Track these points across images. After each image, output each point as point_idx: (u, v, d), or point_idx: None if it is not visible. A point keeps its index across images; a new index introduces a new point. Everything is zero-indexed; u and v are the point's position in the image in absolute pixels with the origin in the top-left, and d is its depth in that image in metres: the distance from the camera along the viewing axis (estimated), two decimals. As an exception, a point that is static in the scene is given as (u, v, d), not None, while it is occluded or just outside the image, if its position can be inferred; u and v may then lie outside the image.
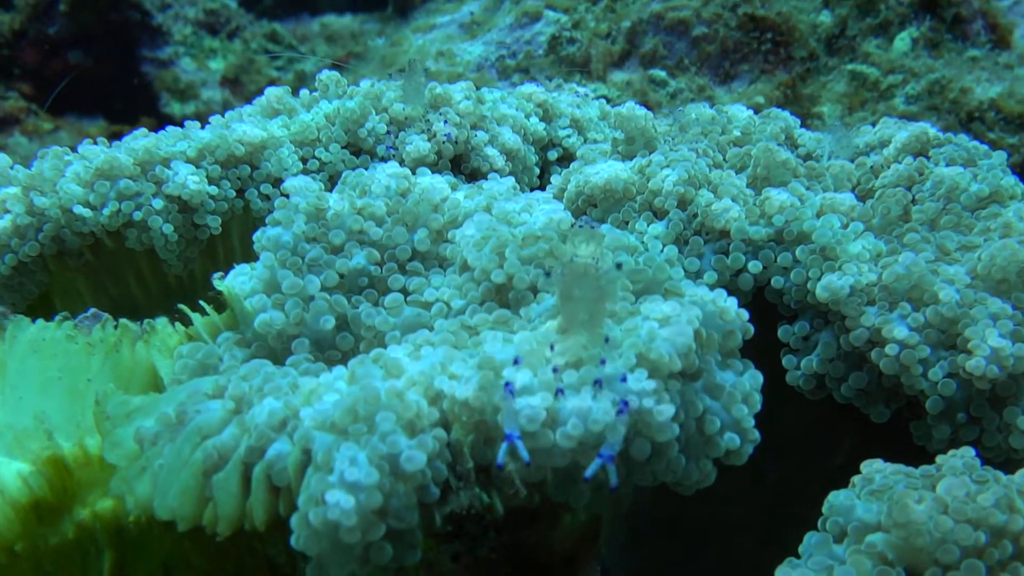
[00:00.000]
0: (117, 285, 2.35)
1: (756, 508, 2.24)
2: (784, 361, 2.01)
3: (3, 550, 1.62)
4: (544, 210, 1.92)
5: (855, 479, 1.71)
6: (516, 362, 1.53)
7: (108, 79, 8.36)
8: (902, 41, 4.03)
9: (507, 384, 1.47)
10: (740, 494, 2.15)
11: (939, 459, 1.68)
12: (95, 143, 2.47)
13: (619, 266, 1.70)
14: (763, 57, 4.11)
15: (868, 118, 3.86)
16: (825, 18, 4.15)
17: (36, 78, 8.09)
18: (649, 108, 3.96)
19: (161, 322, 1.98)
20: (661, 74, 4.11)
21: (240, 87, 8.48)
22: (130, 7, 8.44)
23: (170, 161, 2.23)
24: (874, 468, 1.71)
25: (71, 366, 1.91)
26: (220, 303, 1.98)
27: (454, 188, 2.05)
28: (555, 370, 1.52)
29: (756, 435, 1.64)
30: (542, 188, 2.58)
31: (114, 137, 7.72)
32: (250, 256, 2.29)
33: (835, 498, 1.67)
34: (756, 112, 2.62)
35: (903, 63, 3.97)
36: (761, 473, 2.12)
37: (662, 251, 1.99)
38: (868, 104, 3.92)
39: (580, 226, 1.82)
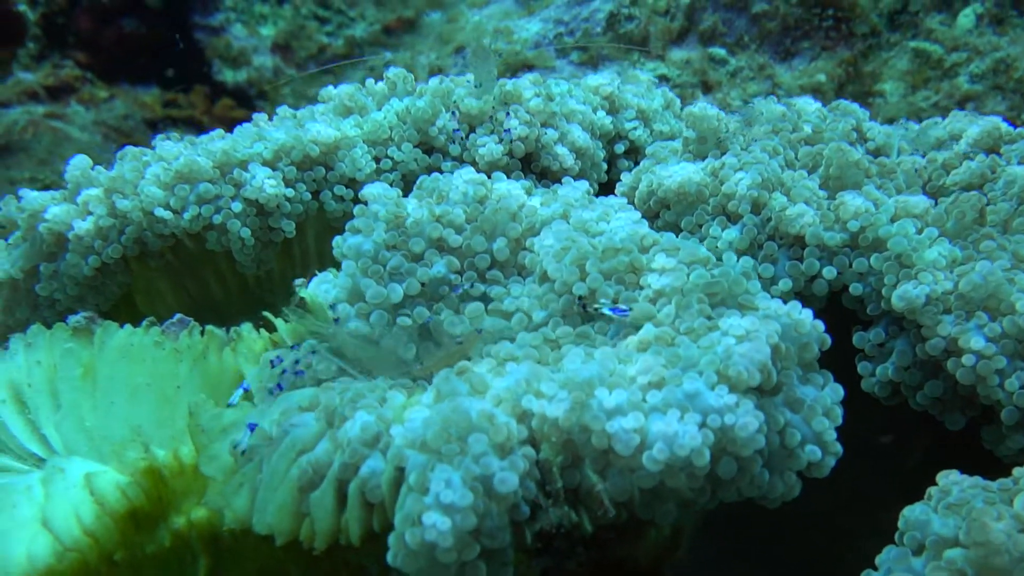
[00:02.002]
0: (197, 284, 2.40)
1: (829, 505, 2.27)
2: (859, 368, 2.02)
3: (104, 559, 1.68)
4: (622, 219, 1.94)
5: (931, 491, 1.73)
6: (601, 381, 1.56)
7: (161, 46, 8.43)
8: (966, 17, 3.98)
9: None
10: (814, 491, 2.17)
11: (1016, 471, 1.70)
12: (167, 138, 2.51)
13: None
14: (824, 34, 4.07)
15: (931, 97, 3.84)
16: (887, -8, 4.10)
17: (90, 46, 8.15)
18: (708, 87, 3.96)
19: (246, 328, 2.03)
20: (721, 52, 4.09)
21: (291, 53, 8.51)
22: (181, -27, 8.46)
23: (247, 163, 2.27)
24: (950, 480, 1.73)
25: (159, 372, 1.97)
26: (302, 307, 2.02)
27: (528, 192, 2.08)
28: (640, 390, 1.56)
29: (838, 448, 1.67)
30: (609, 183, 2.60)
31: (169, 105, 7.72)
32: (325, 256, 2.34)
33: (911, 512, 1.69)
34: (823, 102, 2.62)
35: (967, 40, 3.92)
36: (835, 471, 2.14)
37: (737, 262, 2.00)
38: (931, 83, 3.88)
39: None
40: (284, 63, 8.47)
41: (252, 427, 1.62)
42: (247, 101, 8.24)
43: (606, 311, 1.80)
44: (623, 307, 1.80)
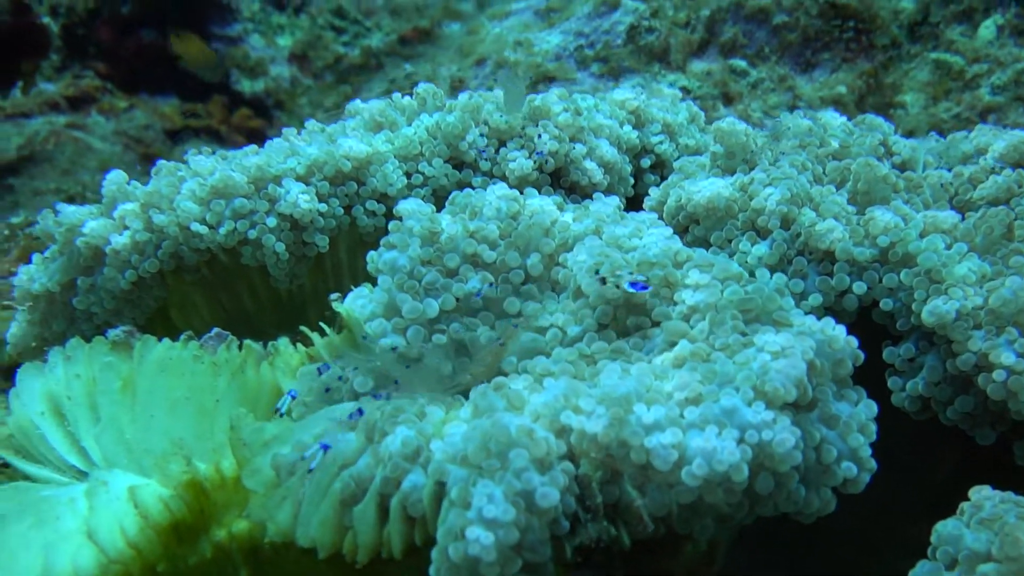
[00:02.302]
0: (231, 297, 2.43)
1: (857, 519, 2.28)
2: (889, 383, 2.04)
3: (146, 571, 1.70)
4: (655, 235, 1.97)
5: (963, 506, 1.74)
6: (638, 396, 1.58)
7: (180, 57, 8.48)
8: (987, 29, 3.99)
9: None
10: (842, 505, 2.19)
11: (1049, 486, 1.72)
12: (199, 153, 2.54)
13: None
14: (844, 45, 4.09)
15: (953, 108, 3.85)
16: (907, 4, 4.12)
17: (110, 57, 8.22)
18: (729, 99, 3.98)
19: (283, 342, 2.05)
20: (742, 64, 4.11)
21: (308, 63, 8.57)
22: (200, -17, 8.52)
23: (281, 179, 2.30)
24: (983, 495, 1.75)
25: (198, 385, 1.99)
26: (336, 321, 2.04)
27: (560, 208, 2.11)
28: (677, 405, 1.58)
29: (873, 464, 1.69)
30: (636, 197, 2.62)
31: (188, 115, 7.77)
32: (357, 270, 2.37)
33: (943, 527, 1.71)
34: (844, 113, 2.64)
35: (988, 52, 3.93)
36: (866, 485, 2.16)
37: (771, 279, 2.02)
38: (952, 94, 3.90)
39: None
40: (301, 73, 8.53)
41: (325, 447, 1.62)
42: (264, 111, 8.30)
43: (625, 285, 1.83)
44: (641, 280, 1.83)
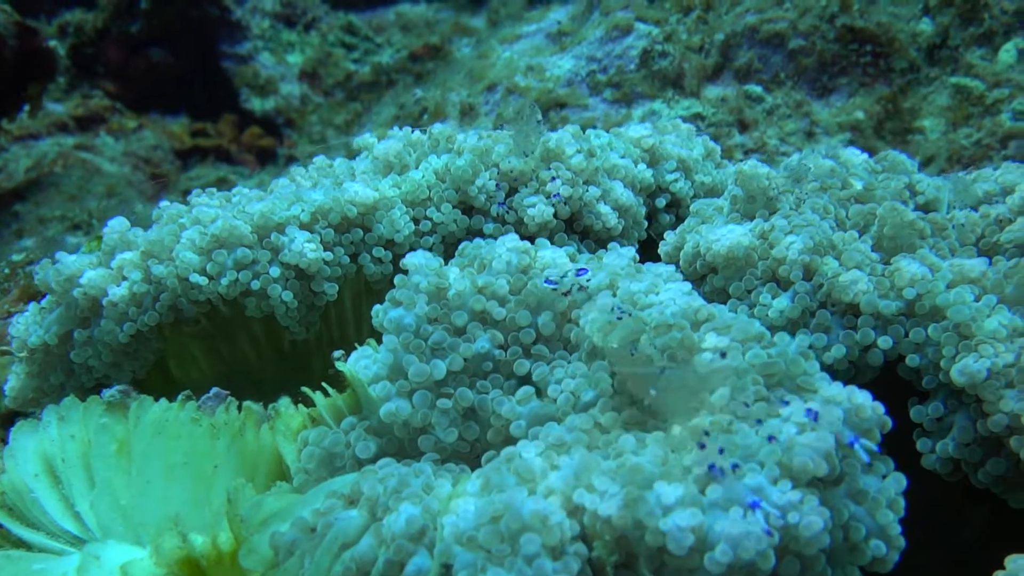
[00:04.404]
0: (232, 349, 2.35)
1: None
2: (919, 445, 1.95)
3: (141, 652, 1.63)
4: (672, 291, 1.88)
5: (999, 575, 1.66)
6: (655, 473, 1.50)
7: (189, 75, 8.45)
8: (1007, 52, 3.90)
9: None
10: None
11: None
12: (203, 192, 2.47)
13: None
14: (862, 70, 4.00)
15: (973, 135, 3.76)
16: (926, 26, 4.03)
17: (119, 76, 8.19)
18: (745, 125, 3.89)
19: (284, 403, 1.98)
20: (757, 89, 4.02)
21: (318, 80, 8.52)
22: (209, 2, 8.50)
23: (285, 227, 2.22)
24: (1019, 565, 1.67)
25: (196, 450, 1.92)
26: (339, 380, 1.96)
27: (573, 259, 2.02)
28: (695, 482, 1.49)
29: (902, 542, 1.60)
30: (649, 239, 2.54)
31: (198, 135, 7.70)
32: (362, 318, 2.29)
33: (983, 598, 1.64)
34: (861, 140, 2.55)
35: (1009, 76, 3.84)
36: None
37: (793, 340, 1.93)
38: (973, 119, 3.81)
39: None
40: (311, 90, 8.48)
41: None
42: (275, 129, 8.25)
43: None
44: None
